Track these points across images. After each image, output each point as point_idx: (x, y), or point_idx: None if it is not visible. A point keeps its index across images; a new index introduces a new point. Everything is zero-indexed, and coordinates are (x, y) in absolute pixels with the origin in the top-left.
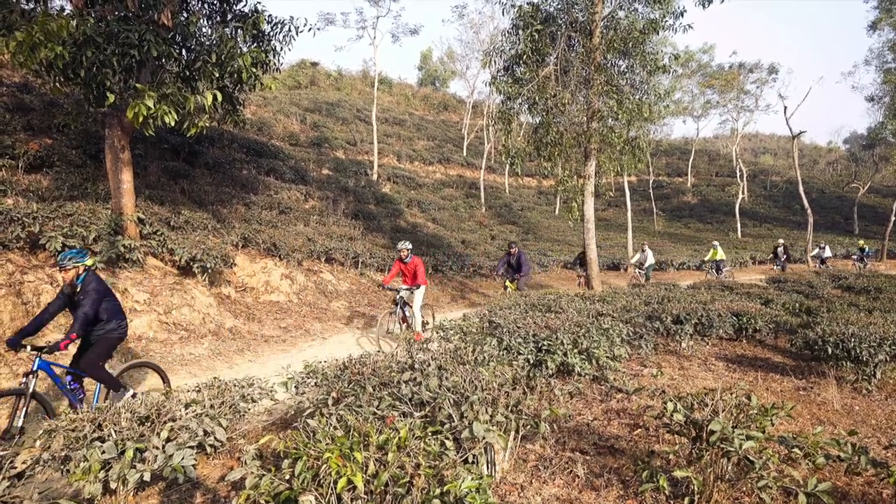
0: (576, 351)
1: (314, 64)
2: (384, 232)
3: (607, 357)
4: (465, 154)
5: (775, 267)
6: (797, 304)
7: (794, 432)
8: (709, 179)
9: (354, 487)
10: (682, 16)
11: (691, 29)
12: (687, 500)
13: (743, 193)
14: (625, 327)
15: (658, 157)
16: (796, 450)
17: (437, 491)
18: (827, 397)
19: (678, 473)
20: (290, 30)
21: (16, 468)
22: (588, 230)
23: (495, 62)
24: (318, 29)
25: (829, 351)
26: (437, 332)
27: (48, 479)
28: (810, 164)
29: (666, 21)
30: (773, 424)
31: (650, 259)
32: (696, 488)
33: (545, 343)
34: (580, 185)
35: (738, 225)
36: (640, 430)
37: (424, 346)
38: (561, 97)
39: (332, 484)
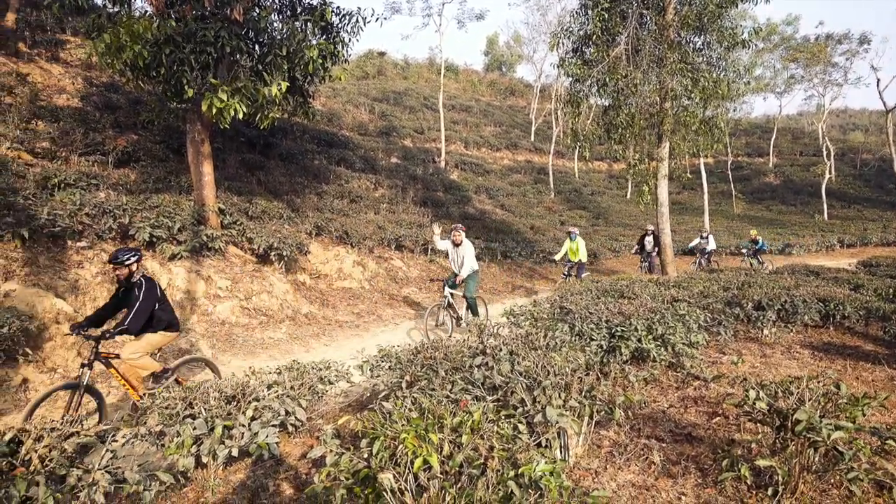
0: (650, 337)
1: (381, 54)
2: (453, 219)
3: (683, 343)
4: (532, 139)
5: (641, 264)
6: (891, 290)
7: (887, 423)
8: (792, 159)
9: (430, 467)
10: None
11: None
12: (770, 490)
13: (830, 173)
14: (702, 313)
15: (737, 137)
16: (890, 442)
17: (511, 473)
18: None
19: (761, 462)
20: (357, 21)
21: (117, 441)
22: (661, 214)
23: (563, 44)
24: (385, 18)
25: None
26: (507, 318)
27: (145, 452)
28: None
29: None
30: (864, 415)
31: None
32: (780, 479)
33: (618, 329)
34: (653, 168)
35: (825, 207)
36: (718, 418)
37: (495, 331)
38: (632, 78)
39: (408, 463)
